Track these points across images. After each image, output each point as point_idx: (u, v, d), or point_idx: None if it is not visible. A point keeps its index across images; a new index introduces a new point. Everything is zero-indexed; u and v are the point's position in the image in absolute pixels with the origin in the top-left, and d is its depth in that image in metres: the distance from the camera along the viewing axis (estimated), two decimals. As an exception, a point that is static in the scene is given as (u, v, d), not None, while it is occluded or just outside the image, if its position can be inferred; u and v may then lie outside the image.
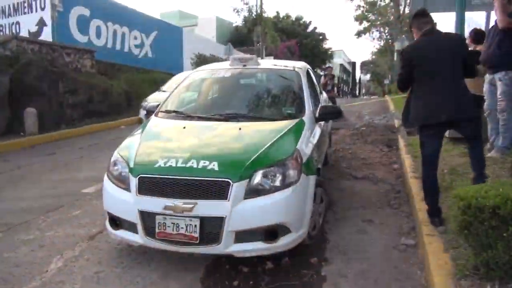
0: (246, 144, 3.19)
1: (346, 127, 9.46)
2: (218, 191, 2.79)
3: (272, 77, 4.60)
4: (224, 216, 2.75)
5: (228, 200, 2.76)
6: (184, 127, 3.56)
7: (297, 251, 3.19)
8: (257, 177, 2.87)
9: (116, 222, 3.13)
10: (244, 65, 4.49)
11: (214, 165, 2.87)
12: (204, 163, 2.89)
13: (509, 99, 4.45)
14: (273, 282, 2.86)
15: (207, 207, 2.77)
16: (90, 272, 3.08)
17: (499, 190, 2.34)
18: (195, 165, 2.89)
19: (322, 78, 12.54)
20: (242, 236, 2.82)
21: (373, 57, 56.07)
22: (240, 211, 2.77)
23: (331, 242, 3.48)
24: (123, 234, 3.09)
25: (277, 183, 2.90)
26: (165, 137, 3.52)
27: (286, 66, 4.65)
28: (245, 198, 2.81)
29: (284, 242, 2.89)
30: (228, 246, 2.80)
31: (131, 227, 3.00)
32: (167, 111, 4.03)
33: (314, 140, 3.65)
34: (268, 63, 5.37)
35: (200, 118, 3.79)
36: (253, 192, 2.84)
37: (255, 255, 2.90)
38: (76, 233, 3.80)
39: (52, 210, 4.43)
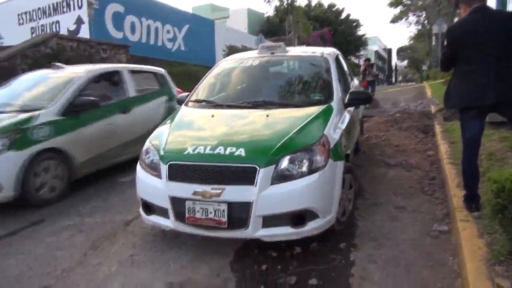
0: (273, 130, 3.20)
1: (380, 114, 9.24)
2: (245, 176, 2.83)
3: (300, 64, 4.57)
4: (251, 201, 2.79)
5: (255, 186, 2.79)
6: (213, 116, 3.61)
7: (326, 237, 3.19)
8: (284, 163, 2.88)
9: (149, 208, 3.25)
10: (272, 53, 4.48)
11: (241, 152, 2.91)
12: (232, 149, 2.94)
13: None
14: (301, 267, 2.88)
15: (235, 193, 2.82)
16: (125, 255, 3.22)
17: (536, 172, 2.23)
18: (222, 152, 2.93)
19: (362, 67, 13.30)
20: (269, 220, 2.85)
21: (410, 42, 54.16)
22: (267, 196, 2.79)
23: (361, 228, 3.45)
24: (156, 219, 3.20)
25: (304, 168, 2.90)
26: (194, 125, 3.59)
27: (314, 53, 4.60)
28: (272, 184, 2.83)
29: (311, 227, 2.90)
30: (256, 231, 2.84)
31: (163, 212, 3.10)
32: (197, 101, 4.10)
33: (343, 125, 3.60)
34: (296, 50, 5.33)
35: (228, 107, 3.83)
36: (280, 177, 2.85)
37: (283, 240, 2.92)
38: (112, 219, 3.97)
39: (91, 198, 4.65)
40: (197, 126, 3.56)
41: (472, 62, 3.18)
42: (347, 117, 3.88)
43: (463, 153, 3.28)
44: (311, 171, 2.90)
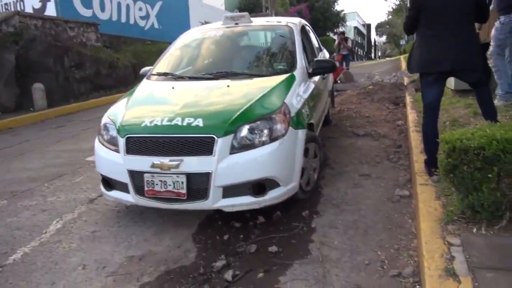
0: (232, 100, 3.15)
1: (354, 88, 9.26)
2: (203, 147, 2.78)
3: (265, 34, 4.50)
4: (210, 171, 2.76)
5: (214, 156, 2.75)
6: (173, 88, 3.53)
7: (289, 206, 3.20)
8: (243, 132, 2.85)
9: (109, 184, 3.18)
10: (236, 23, 4.39)
11: (199, 122, 2.85)
12: (189, 120, 2.88)
13: (496, 44, 4.33)
14: (263, 235, 2.89)
15: (193, 164, 2.78)
16: (87, 232, 3.17)
17: (485, 132, 2.26)
18: (180, 123, 2.87)
19: (336, 40, 13.25)
20: (229, 191, 2.83)
21: (389, 17, 54.21)
22: (226, 166, 2.76)
23: (325, 196, 3.47)
24: (116, 194, 3.15)
25: (264, 137, 2.88)
26: (153, 98, 3.50)
27: (279, 22, 4.52)
28: (231, 153, 2.80)
29: (272, 196, 2.89)
30: (216, 201, 2.82)
31: (123, 187, 3.05)
32: (158, 74, 4.00)
33: (306, 95, 3.57)
34: (261, 20, 5.24)
35: (190, 79, 3.75)
36: (239, 147, 2.82)
37: (245, 209, 2.91)
38: (76, 198, 3.90)
39: (55, 178, 4.55)
40: (156, 98, 3.47)
41: (433, 27, 3.17)
42: (311, 86, 3.85)
43: (423, 118, 3.30)
44: (271, 139, 2.88)
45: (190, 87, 3.53)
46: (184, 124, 2.86)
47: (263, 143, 2.85)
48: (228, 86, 3.38)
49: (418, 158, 3.69)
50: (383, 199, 3.31)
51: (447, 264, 2.05)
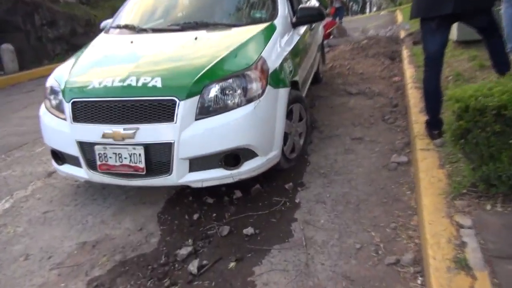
0: (199, 54, 2.63)
1: (347, 42, 8.64)
2: (163, 112, 2.31)
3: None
4: (172, 141, 2.30)
5: (175, 123, 2.29)
6: (132, 42, 2.99)
7: (271, 177, 2.79)
8: (211, 93, 2.37)
9: (59, 157, 2.73)
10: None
11: (157, 81, 2.36)
12: (145, 79, 2.38)
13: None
14: (239, 213, 2.48)
15: (152, 132, 2.32)
16: (38, 212, 2.75)
17: (506, 86, 1.80)
18: (134, 83, 2.38)
19: None
20: (197, 163, 2.39)
21: (384, -32, 52.07)
22: (191, 134, 2.31)
23: (311, 164, 3.05)
24: (68, 169, 2.70)
25: (236, 98, 2.40)
26: (107, 54, 2.96)
27: (259, -37, 3.89)
28: (197, 119, 2.34)
29: (249, 168, 2.46)
30: (182, 176, 2.38)
31: (74, 161, 2.60)
32: (118, 26, 3.43)
33: (289, 47, 3.06)
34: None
35: (154, 31, 3.19)
36: (206, 111, 2.35)
37: (217, 184, 2.49)
38: (33, 171, 3.45)
39: (15, 148, 4.08)
40: (111, 55, 2.93)
41: None
42: (295, 38, 3.33)
43: (424, 71, 2.83)
44: (245, 101, 2.40)
45: (151, 41, 2.99)
46: (139, 84, 2.37)
47: (234, 105, 2.38)
48: (195, 38, 2.85)
49: (418, 118, 3.25)
50: (377, 166, 2.90)
51: (456, 253, 1.66)
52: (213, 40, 2.85)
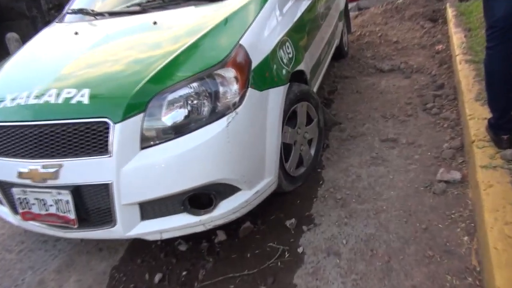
0: (151, 49, 1.85)
1: (379, 3, 7.47)
2: (92, 141, 1.58)
3: None
4: (109, 182, 1.58)
5: (110, 156, 1.56)
6: (76, 33, 2.25)
7: (267, 207, 2.03)
8: (162, 107, 1.61)
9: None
10: None
11: (83, 96, 1.63)
12: (69, 93, 1.66)
13: None
14: (216, 273, 1.76)
15: (80, 171, 1.61)
16: (-27, 263, 2.16)
17: None
18: (53, 99, 1.66)
19: None
20: (152, 209, 1.67)
21: None
22: (135, 171, 1.58)
23: (325, 183, 2.24)
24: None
25: (200, 112, 1.63)
26: (41, 54, 2.23)
27: None
28: (143, 148, 1.59)
29: (227, 209, 1.72)
30: (130, 227, 1.68)
31: (1, 202, 1.96)
32: (73, 11, 2.68)
33: (289, 22, 2.21)
34: None
35: (111, 15, 2.42)
36: (156, 135, 1.60)
37: (180, 235, 1.77)
38: None
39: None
40: (44, 55, 2.20)
41: None
42: (300, 7, 2.45)
43: (487, 50, 1.90)
44: (214, 115, 1.63)
45: (99, 32, 2.23)
46: (60, 101, 1.64)
47: (201, 124, 1.62)
48: (154, 23, 2.06)
49: (474, 110, 2.34)
50: (417, 187, 2.06)
51: None
52: (178, 24, 2.05)
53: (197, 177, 1.61)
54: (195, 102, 1.63)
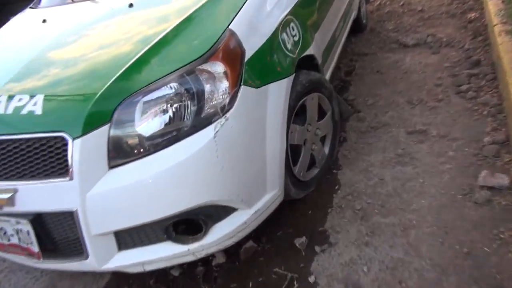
0: (122, 38, 1.52)
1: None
2: (49, 160, 1.29)
3: None
4: (74, 209, 1.29)
5: (71, 179, 1.26)
6: (44, 21, 1.92)
7: (274, 220, 1.72)
8: (132, 115, 1.29)
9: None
10: None
11: (36, 104, 1.32)
12: (20, 100, 1.35)
13: None
14: (211, 309, 1.47)
15: (39, 195, 1.32)
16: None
17: None
18: (2, 109, 1.36)
19: None
20: (130, 237, 1.38)
21: None
22: (104, 195, 1.28)
23: (342, 188, 1.91)
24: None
25: (183, 119, 1.31)
26: (4, 47, 1.92)
27: None
28: (112, 167, 1.29)
29: (222, 234, 1.42)
30: (106, 259, 1.40)
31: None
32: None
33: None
34: None
35: (88, -2, 2.08)
36: (127, 150, 1.29)
37: (165, 266, 1.47)
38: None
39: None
40: (4, 49, 1.88)
41: None
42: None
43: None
44: (198, 123, 1.30)
45: (68, 19, 1.90)
46: (9, 111, 1.35)
47: (181, 135, 1.29)
48: (130, 5, 1.72)
49: (522, 93, 1.94)
50: (454, 194, 1.70)
51: None
52: (157, 6, 1.70)
53: (180, 201, 1.30)
54: (174, 106, 1.31)
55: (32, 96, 1.34)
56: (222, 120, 1.31)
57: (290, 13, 1.72)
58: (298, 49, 1.73)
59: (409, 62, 3.09)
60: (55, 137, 1.26)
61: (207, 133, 1.29)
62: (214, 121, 1.30)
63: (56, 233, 1.38)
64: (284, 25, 1.65)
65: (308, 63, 1.88)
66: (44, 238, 1.38)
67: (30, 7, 2.34)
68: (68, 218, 1.32)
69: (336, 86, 2.97)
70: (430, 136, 2.11)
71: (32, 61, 1.55)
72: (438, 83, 2.63)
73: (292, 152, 1.74)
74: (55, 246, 1.40)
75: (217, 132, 1.29)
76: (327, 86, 1.95)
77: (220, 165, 1.31)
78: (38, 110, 1.30)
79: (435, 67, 2.89)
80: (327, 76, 2.27)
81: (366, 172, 1.98)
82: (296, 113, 1.74)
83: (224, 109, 1.32)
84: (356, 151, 2.16)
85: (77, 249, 1.38)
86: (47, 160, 1.28)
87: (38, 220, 1.35)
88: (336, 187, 1.93)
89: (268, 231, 1.73)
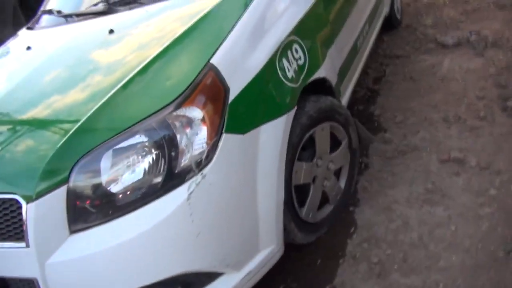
0: (92, 76, 1.33)
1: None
2: (5, 223, 1.14)
3: None
4: (34, 278, 1.14)
5: (27, 246, 1.10)
6: (29, 48, 1.77)
7: (275, 270, 1.50)
8: (91, 174, 1.11)
9: None
10: None
11: (-10, 159, 1.17)
12: (-28, 152, 1.20)
13: None
14: None
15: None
16: None
17: None
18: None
19: None
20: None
21: None
22: (64, 265, 1.12)
23: (358, 231, 1.65)
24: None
25: (152, 177, 1.11)
26: None
27: None
28: (73, 232, 1.11)
29: (204, 305, 1.21)
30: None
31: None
32: (49, 11, 2.19)
33: (300, 10, 1.55)
34: None
35: (78, 17, 1.91)
36: (89, 214, 1.11)
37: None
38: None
39: None
40: None
41: None
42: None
43: None
44: (170, 180, 1.10)
45: (45, 48, 1.74)
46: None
47: (150, 196, 1.10)
48: (111, 31, 1.52)
49: None
50: (493, 251, 1.39)
51: None
52: (138, 33, 1.49)
53: (149, 273, 1.11)
54: (145, 160, 1.11)
55: (-14, 148, 1.19)
56: (198, 177, 1.10)
57: (292, 33, 1.46)
58: (303, 75, 1.47)
59: (448, 66, 2.72)
60: (9, 199, 1.11)
61: (180, 194, 1.08)
62: (188, 180, 1.09)
63: (22, 299, 1.24)
64: (284, 49, 1.40)
65: (318, 86, 1.62)
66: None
67: (27, 27, 2.20)
68: (31, 285, 1.18)
69: (363, 97, 2.67)
70: (468, 167, 1.79)
71: (2, 99, 1.40)
72: (481, 96, 2.27)
73: (299, 192, 1.51)
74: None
75: (191, 193, 1.08)
76: (341, 112, 1.68)
77: (196, 231, 1.10)
78: (-9, 165, 1.15)
79: (478, 73, 2.52)
80: (347, 95, 1.99)
81: (389, 211, 1.70)
82: (303, 147, 1.50)
83: (201, 165, 1.11)
84: (378, 182, 1.88)
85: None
86: (3, 223, 1.13)
87: (3, 285, 1.21)
88: (352, 230, 1.67)
89: (266, 283, 1.51)
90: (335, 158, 1.68)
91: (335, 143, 1.69)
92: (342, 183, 1.75)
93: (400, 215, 1.66)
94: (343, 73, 1.90)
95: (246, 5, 1.38)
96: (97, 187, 1.11)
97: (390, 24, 3.40)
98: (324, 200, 1.69)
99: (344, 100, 1.96)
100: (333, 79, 1.73)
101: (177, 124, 1.11)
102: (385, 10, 3.07)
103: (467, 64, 2.67)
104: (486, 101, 2.21)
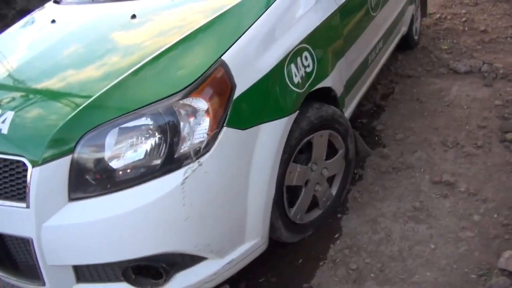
0: (110, 58, 1.41)
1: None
2: (10, 182, 1.22)
3: None
4: (29, 238, 1.21)
5: (28, 206, 1.18)
6: (53, 21, 1.85)
7: (257, 263, 1.57)
8: (95, 148, 1.19)
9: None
10: None
11: (5, 122, 1.26)
12: (-10, 116, 1.28)
13: None
14: None
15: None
16: None
17: None
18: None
19: None
20: (89, 271, 1.29)
21: None
22: (60, 229, 1.20)
23: (342, 238, 1.70)
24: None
25: (153, 158, 1.18)
26: (5, 49, 1.87)
27: None
28: (72, 199, 1.19)
29: (184, 284, 1.29)
30: (63, 289, 1.32)
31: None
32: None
33: (316, 20, 1.61)
34: None
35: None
36: (89, 185, 1.19)
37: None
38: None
39: None
40: (8, 49, 1.83)
41: None
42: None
43: None
44: (169, 163, 1.17)
45: (68, 25, 1.81)
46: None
47: (147, 176, 1.17)
48: (133, 16, 1.60)
49: None
50: (467, 273, 1.45)
51: None
52: (159, 20, 1.57)
53: (138, 248, 1.19)
54: (148, 141, 1.18)
55: (3, 112, 1.26)
56: (195, 165, 1.16)
57: (304, 41, 1.52)
58: (309, 82, 1.53)
59: (455, 92, 2.76)
60: (17, 161, 1.18)
61: (175, 178, 1.15)
62: (185, 165, 1.16)
63: (17, 255, 1.32)
64: (294, 55, 1.46)
65: (323, 94, 1.68)
66: (4, 258, 1.32)
67: (55, 1, 2.28)
68: (24, 245, 1.25)
69: (368, 111, 2.72)
70: (457, 191, 1.84)
71: (22, 68, 1.48)
72: (482, 125, 2.31)
73: (291, 193, 1.58)
74: (17, 267, 1.35)
75: (186, 178, 1.15)
76: (342, 123, 1.74)
77: (186, 215, 1.17)
78: (5, 129, 1.23)
79: (483, 103, 2.56)
80: (351, 107, 2.05)
81: (374, 223, 1.76)
82: (300, 150, 1.57)
83: (199, 153, 1.17)
84: (369, 195, 1.93)
85: (35, 275, 1.31)
86: (8, 182, 1.21)
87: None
88: (336, 236, 1.73)
89: (248, 276, 1.58)
90: (330, 165, 1.74)
91: (332, 151, 1.75)
92: (334, 190, 1.81)
93: (384, 228, 1.72)
94: (350, 85, 1.96)
95: (266, 6, 1.44)
96: (100, 161, 1.18)
97: (407, 43, 3.43)
98: (314, 204, 1.75)
99: (348, 111, 2.01)
100: (339, 90, 1.79)
101: (182, 112, 1.18)
102: (403, 30, 3.11)
103: (474, 93, 2.71)
104: (486, 131, 2.25)
